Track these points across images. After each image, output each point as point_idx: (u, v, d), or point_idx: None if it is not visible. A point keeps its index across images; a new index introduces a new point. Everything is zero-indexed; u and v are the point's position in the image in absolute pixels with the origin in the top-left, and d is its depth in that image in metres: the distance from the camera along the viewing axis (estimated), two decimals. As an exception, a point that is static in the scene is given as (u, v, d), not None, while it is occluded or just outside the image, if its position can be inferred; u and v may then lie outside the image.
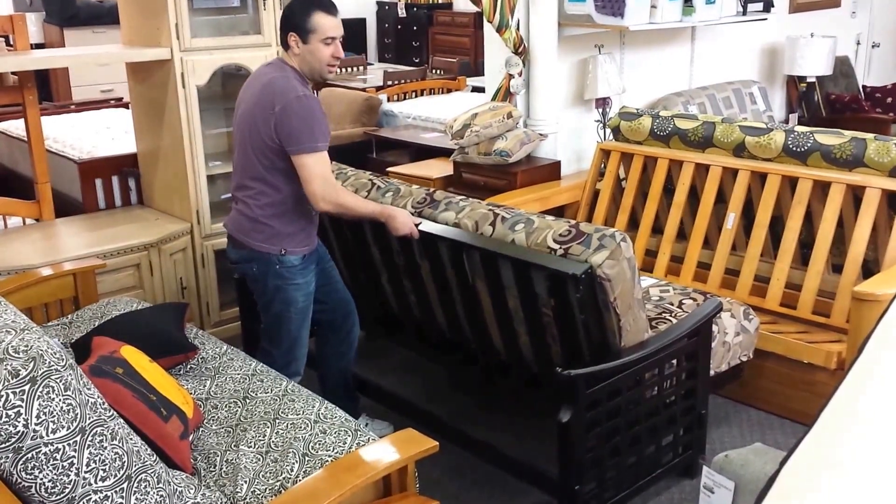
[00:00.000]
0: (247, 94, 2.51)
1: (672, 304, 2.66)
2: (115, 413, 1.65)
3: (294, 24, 2.41)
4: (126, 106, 5.22)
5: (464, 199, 2.56)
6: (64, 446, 1.48)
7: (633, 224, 3.61)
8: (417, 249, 2.57)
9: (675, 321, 2.52)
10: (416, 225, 2.49)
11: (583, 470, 2.21)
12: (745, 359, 2.68)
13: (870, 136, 3.03)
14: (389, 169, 4.52)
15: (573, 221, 2.27)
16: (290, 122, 2.34)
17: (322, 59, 2.42)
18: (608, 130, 3.93)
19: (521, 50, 3.86)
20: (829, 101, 5.41)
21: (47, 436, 1.47)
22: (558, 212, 3.93)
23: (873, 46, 6.09)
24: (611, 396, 2.25)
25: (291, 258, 2.48)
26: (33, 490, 1.47)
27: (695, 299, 2.68)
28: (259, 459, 1.94)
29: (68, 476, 1.49)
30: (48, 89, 6.73)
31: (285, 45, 2.45)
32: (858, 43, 5.93)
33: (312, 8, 2.39)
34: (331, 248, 2.92)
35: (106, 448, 1.55)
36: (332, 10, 2.42)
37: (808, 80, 5.12)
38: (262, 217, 2.46)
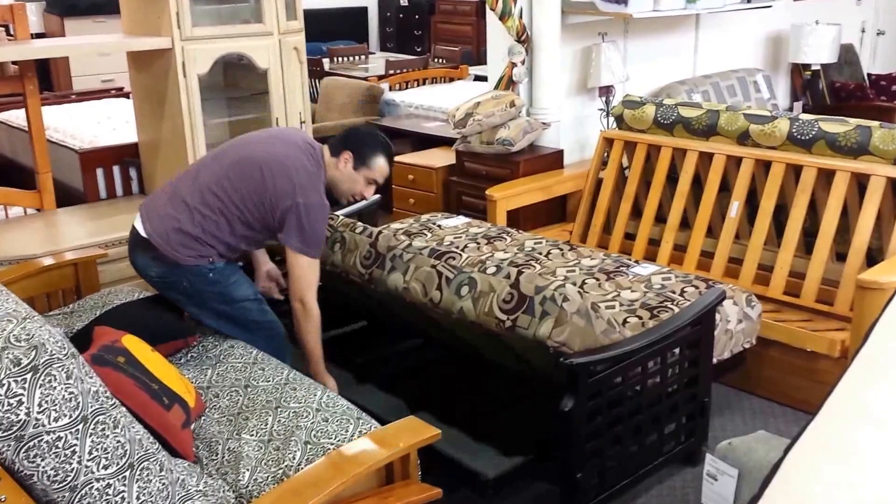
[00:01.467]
0: (268, 145, 2.46)
1: (674, 293, 2.65)
2: (117, 402, 1.64)
3: (357, 149, 2.47)
4: (127, 95, 5.21)
5: (407, 249, 2.46)
6: (66, 434, 1.48)
7: (637, 213, 3.59)
8: None
9: (677, 309, 2.51)
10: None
11: (584, 459, 2.21)
12: (747, 345, 2.68)
13: (875, 123, 3.02)
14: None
15: (513, 277, 2.18)
16: (304, 221, 2.35)
17: (353, 190, 2.51)
18: (611, 119, 3.91)
19: (523, 38, 3.84)
20: (834, 89, 5.38)
21: (49, 424, 1.46)
22: (561, 201, 3.92)
23: (878, 34, 6.05)
24: (613, 385, 2.24)
25: (218, 264, 2.42)
26: (35, 478, 1.47)
27: (697, 286, 2.68)
28: (261, 448, 1.94)
29: (70, 464, 1.49)
30: (49, 79, 6.71)
31: (335, 152, 2.47)
32: (863, 30, 5.89)
33: (383, 151, 2.50)
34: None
35: (108, 436, 1.55)
36: (392, 161, 2.54)
37: (813, 67, 5.10)
38: (202, 237, 2.37)
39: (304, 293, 2.40)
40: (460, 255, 2.36)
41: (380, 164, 2.49)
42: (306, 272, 2.39)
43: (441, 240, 3.21)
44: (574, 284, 2.71)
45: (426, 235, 3.27)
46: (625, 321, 2.46)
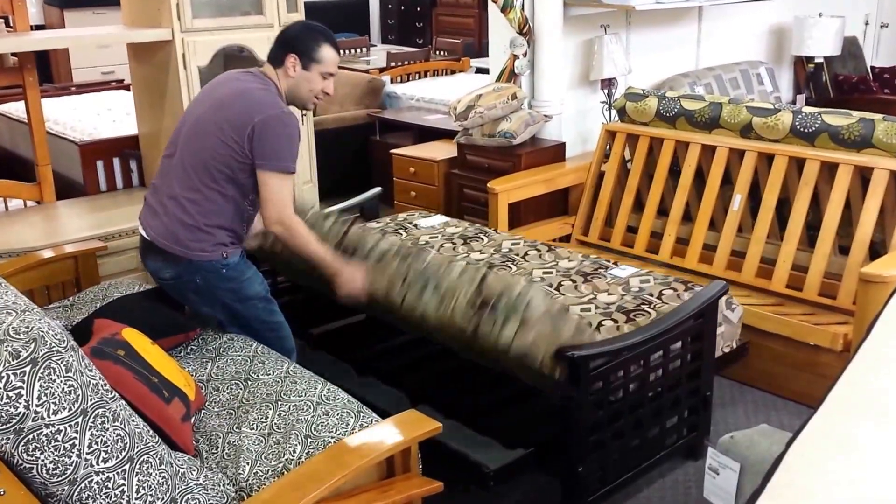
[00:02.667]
0: (212, 97, 2.36)
1: (651, 295, 2.61)
2: (116, 395, 1.64)
3: (299, 48, 2.33)
4: (127, 88, 5.19)
5: (374, 246, 2.42)
6: (65, 427, 1.48)
7: (639, 206, 3.58)
8: None
9: (654, 314, 2.48)
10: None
11: (586, 452, 2.21)
12: (727, 349, 2.65)
13: (878, 116, 3.00)
14: (393, 151, 4.50)
15: (476, 281, 2.15)
16: (268, 138, 2.23)
17: (314, 90, 2.37)
18: (614, 111, 3.90)
19: (525, 30, 3.82)
20: (837, 82, 5.35)
21: (48, 417, 1.46)
22: (563, 194, 3.91)
23: (882, 27, 6.02)
24: (615, 378, 2.23)
25: (232, 258, 2.36)
26: (34, 471, 1.47)
27: (675, 289, 2.65)
28: (261, 441, 1.94)
29: (70, 457, 1.48)
30: (48, 71, 6.70)
31: (278, 62, 2.34)
32: (867, 23, 5.86)
33: (323, 39, 2.35)
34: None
35: (108, 429, 1.54)
36: (337, 46, 2.39)
37: (816, 60, 5.08)
38: (205, 225, 2.30)
39: (280, 214, 2.26)
40: (427, 256, 2.32)
41: (328, 54, 2.34)
42: (277, 190, 2.25)
43: (416, 240, 3.17)
44: (550, 286, 2.69)
45: (401, 235, 3.22)
46: (599, 325, 2.43)
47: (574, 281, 2.74)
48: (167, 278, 2.40)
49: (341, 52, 7.73)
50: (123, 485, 1.55)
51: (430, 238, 3.18)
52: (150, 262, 2.41)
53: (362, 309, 2.57)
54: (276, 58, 2.36)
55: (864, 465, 1.07)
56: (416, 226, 3.33)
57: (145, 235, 2.38)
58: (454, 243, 3.12)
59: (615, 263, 2.91)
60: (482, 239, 3.16)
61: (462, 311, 2.12)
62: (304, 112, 2.67)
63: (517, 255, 2.98)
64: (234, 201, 2.33)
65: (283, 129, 2.26)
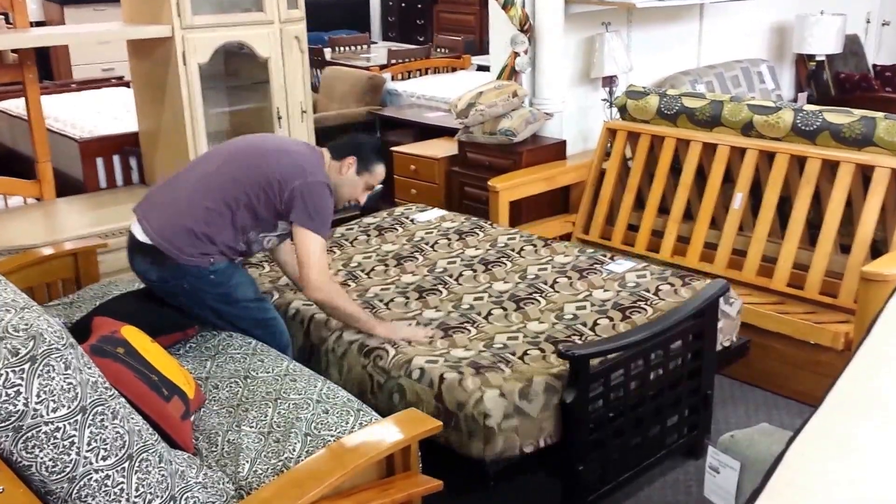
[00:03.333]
0: (267, 139, 2.51)
1: (648, 291, 2.59)
2: (115, 392, 1.63)
3: (361, 155, 2.47)
4: (127, 85, 5.19)
5: (339, 344, 2.39)
6: (64, 425, 1.47)
7: (640, 204, 3.58)
8: None
9: (650, 310, 2.47)
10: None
11: (586, 451, 2.20)
12: (727, 344, 2.63)
13: (880, 114, 2.99)
14: (393, 149, 4.49)
15: (435, 385, 2.12)
16: (310, 199, 2.32)
17: (352, 195, 2.52)
18: (615, 109, 3.89)
19: (526, 27, 3.81)
20: (839, 80, 5.34)
21: (47, 415, 1.45)
22: (564, 192, 3.90)
23: (883, 24, 6.01)
24: (615, 376, 2.23)
25: (219, 265, 2.37)
26: (34, 469, 1.46)
27: (672, 284, 2.63)
28: (261, 439, 1.93)
29: (69, 455, 1.48)
30: (48, 68, 6.69)
31: (338, 157, 2.47)
32: (868, 21, 5.85)
33: (381, 161, 2.54)
34: None
35: (107, 427, 1.54)
36: (384, 171, 2.57)
37: (818, 58, 5.06)
38: (201, 233, 2.32)
39: (321, 281, 2.32)
40: (387, 351, 2.29)
41: (380, 171, 2.53)
42: (318, 255, 2.33)
43: (411, 236, 3.15)
44: (545, 283, 2.67)
45: (397, 231, 3.21)
46: (595, 323, 2.42)
47: (569, 277, 2.73)
48: (154, 280, 2.40)
49: (341, 49, 7.73)
50: (123, 482, 1.54)
51: (426, 234, 3.17)
52: (137, 263, 2.41)
53: None
54: (339, 153, 2.49)
55: (865, 465, 1.06)
56: (412, 221, 3.32)
57: (137, 234, 2.37)
58: (449, 238, 3.11)
59: (612, 258, 2.89)
60: (478, 234, 3.14)
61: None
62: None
63: (513, 250, 2.97)
64: (242, 229, 2.37)
65: (328, 199, 2.38)
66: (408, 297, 2.64)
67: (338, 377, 2.38)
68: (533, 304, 2.56)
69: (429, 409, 2.13)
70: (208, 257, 2.34)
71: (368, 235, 3.19)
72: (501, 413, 2.04)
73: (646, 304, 2.51)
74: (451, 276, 2.79)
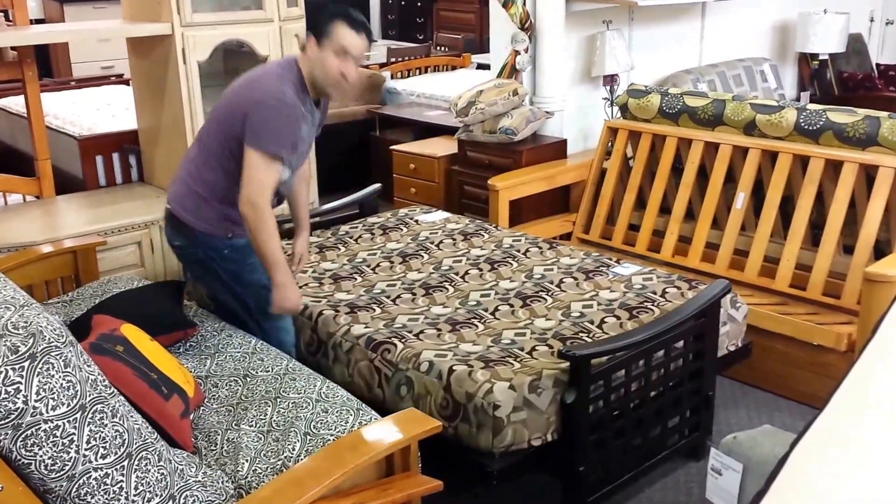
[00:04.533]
0: (237, 82, 2.40)
1: (655, 293, 2.59)
2: (115, 390, 1.63)
3: (316, 26, 2.29)
4: (127, 82, 5.18)
5: (346, 339, 2.38)
6: (64, 423, 1.47)
7: (641, 204, 3.56)
8: None
9: (657, 311, 2.47)
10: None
11: (587, 452, 2.19)
12: (732, 348, 2.62)
13: (883, 114, 2.99)
14: (393, 147, 4.48)
15: (444, 377, 2.11)
16: (257, 117, 2.22)
17: (328, 71, 2.27)
18: (616, 108, 3.88)
19: (527, 26, 3.80)
20: (842, 79, 5.33)
21: (47, 413, 1.45)
22: (564, 191, 3.89)
23: (887, 23, 5.99)
24: (616, 377, 2.22)
25: (239, 240, 2.36)
26: (33, 467, 1.46)
27: (679, 287, 2.63)
28: (260, 438, 1.92)
29: (68, 453, 1.47)
30: (48, 65, 6.69)
31: (302, 47, 2.34)
32: (872, 20, 5.83)
33: (340, 17, 2.27)
34: None
35: (106, 425, 1.53)
36: (356, 26, 2.28)
37: (821, 57, 5.05)
38: (213, 196, 2.34)
39: (255, 195, 2.22)
40: (395, 344, 2.28)
41: (341, 30, 2.25)
42: (258, 171, 2.21)
43: (416, 235, 3.15)
44: (552, 283, 2.66)
45: (401, 230, 3.21)
46: (602, 322, 2.42)
47: (576, 278, 2.73)
48: (177, 246, 2.48)
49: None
50: (122, 481, 1.54)
51: (431, 234, 3.17)
52: (166, 229, 2.51)
53: None
54: (302, 43, 2.36)
55: (870, 468, 1.05)
56: (416, 221, 3.32)
57: (167, 204, 2.47)
58: (454, 239, 3.11)
59: (617, 261, 2.89)
60: (483, 235, 3.14)
61: (439, 413, 2.12)
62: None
63: (518, 251, 2.97)
64: (233, 178, 2.30)
65: (274, 112, 2.22)
66: (414, 294, 2.65)
67: (344, 371, 2.38)
68: (540, 301, 2.56)
69: (437, 402, 2.13)
70: (227, 227, 2.37)
71: (373, 234, 3.18)
72: (511, 405, 2.04)
73: (652, 305, 2.51)
74: (456, 274, 2.79)
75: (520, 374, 2.12)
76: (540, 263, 2.86)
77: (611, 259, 2.92)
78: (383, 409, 2.15)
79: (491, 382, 2.07)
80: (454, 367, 2.15)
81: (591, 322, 2.41)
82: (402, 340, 2.32)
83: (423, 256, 2.95)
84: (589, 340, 2.30)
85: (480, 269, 2.82)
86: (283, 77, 2.29)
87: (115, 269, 3.11)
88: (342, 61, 2.26)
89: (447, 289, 2.68)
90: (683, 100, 3.45)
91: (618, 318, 2.44)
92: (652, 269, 2.83)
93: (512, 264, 2.86)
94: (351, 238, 3.16)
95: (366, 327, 2.41)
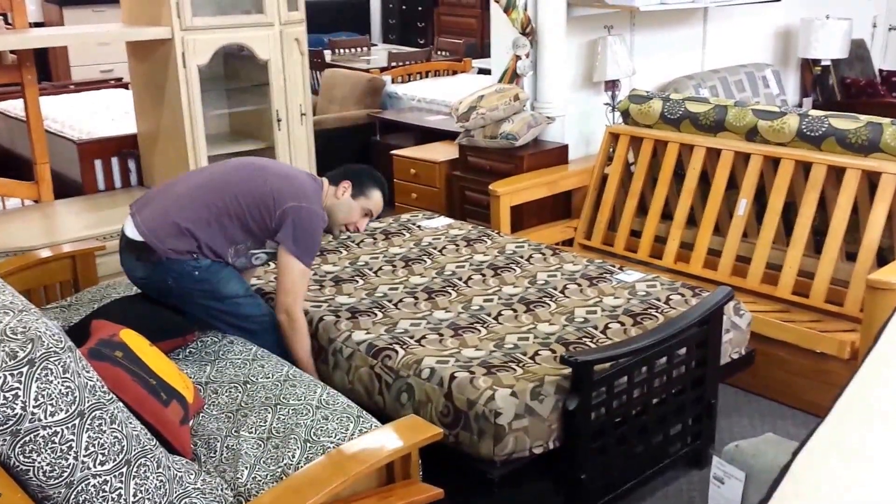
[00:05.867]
0: (268, 164, 2.53)
1: (659, 300, 2.58)
2: (114, 397, 1.61)
3: (356, 179, 2.52)
4: (126, 86, 5.17)
5: (347, 344, 2.38)
6: (62, 429, 1.46)
7: (642, 210, 3.56)
8: None
9: (661, 317, 2.45)
10: None
11: (589, 459, 2.18)
12: (735, 356, 2.61)
13: (886, 120, 2.98)
14: (393, 152, 4.48)
15: (445, 384, 2.11)
16: (300, 223, 2.35)
17: (349, 219, 2.53)
18: (617, 114, 3.87)
19: (528, 31, 3.80)
20: (845, 86, 5.33)
21: (45, 419, 1.44)
22: (565, 197, 3.88)
23: (890, 29, 5.99)
24: (619, 384, 2.21)
25: (204, 261, 2.37)
26: (31, 474, 1.45)
27: (683, 295, 2.62)
28: (260, 445, 1.91)
29: (66, 460, 1.46)
30: (47, 69, 6.68)
31: (334, 182, 2.51)
32: (875, 25, 5.83)
33: (378, 185, 2.56)
34: None
35: (105, 432, 1.52)
36: (386, 197, 2.60)
37: (823, 63, 5.05)
38: (186, 229, 2.33)
39: (290, 305, 2.39)
40: (396, 351, 2.28)
41: (377, 197, 2.55)
42: (297, 280, 2.38)
43: (419, 241, 3.14)
44: (555, 289, 2.65)
45: (404, 236, 3.21)
46: (606, 327, 2.40)
47: (579, 284, 2.72)
48: (140, 277, 2.44)
49: (342, 51, 7.71)
50: (120, 488, 1.53)
51: (434, 240, 3.16)
52: (124, 261, 2.46)
53: None
54: (335, 178, 2.53)
55: (873, 476, 1.05)
56: (419, 227, 3.31)
57: (127, 231, 2.41)
58: (457, 244, 3.10)
59: (621, 268, 2.88)
60: (486, 241, 3.14)
61: (440, 421, 2.12)
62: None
63: (521, 257, 2.96)
64: (226, 238, 2.38)
65: (318, 227, 2.41)
66: (417, 298, 2.64)
67: (344, 377, 2.37)
68: (543, 307, 2.55)
69: (438, 409, 2.12)
70: (191, 254, 2.35)
71: (375, 239, 3.18)
72: (513, 412, 2.03)
73: (656, 312, 2.50)
74: (459, 279, 2.78)
75: (522, 380, 2.10)
76: (543, 269, 2.85)
77: (614, 266, 2.91)
78: (384, 417, 2.14)
79: (493, 389, 2.06)
80: (455, 374, 2.14)
81: (595, 327, 2.40)
82: (404, 346, 2.30)
83: (425, 261, 2.95)
84: (593, 346, 2.29)
85: (483, 275, 2.81)
86: (317, 194, 2.46)
87: (114, 274, 3.08)
88: (362, 218, 2.56)
89: (450, 293, 2.68)
90: (685, 105, 3.44)
91: (622, 324, 2.43)
92: (656, 276, 2.82)
93: (515, 270, 2.85)
94: (353, 242, 3.15)
95: (367, 333, 2.40)
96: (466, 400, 2.07)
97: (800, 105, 5.16)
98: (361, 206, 2.53)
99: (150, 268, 2.37)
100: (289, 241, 2.35)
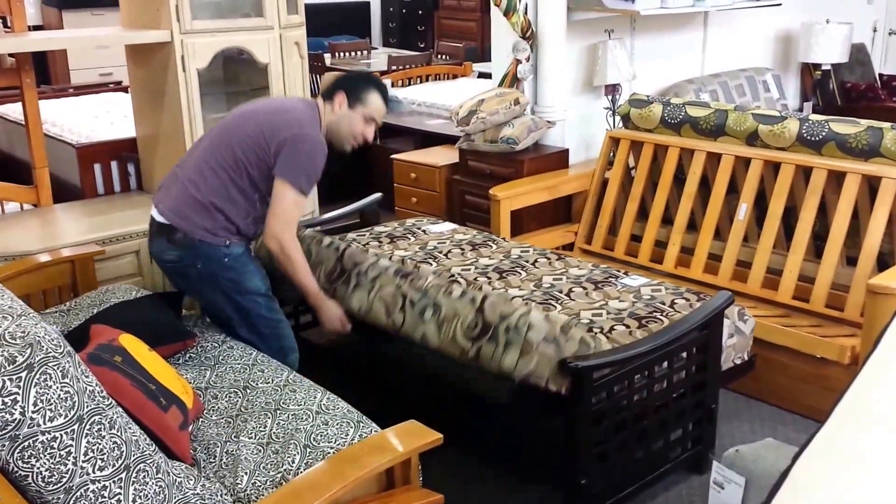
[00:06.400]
0: (260, 103, 2.51)
1: (664, 304, 2.58)
2: (113, 402, 1.61)
3: (349, 88, 2.48)
4: (125, 90, 5.16)
5: (372, 265, 2.44)
6: (61, 435, 1.45)
7: (643, 214, 3.55)
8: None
9: (666, 321, 2.45)
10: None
11: (589, 464, 2.17)
12: (738, 361, 2.61)
13: (886, 125, 2.97)
14: (394, 156, 4.47)
15: (478, 302, 2.15)
16: (296, 153, 2.32)
17: (353, 131, 2.48)
18: (618, 118, 3.87)
19: (528, 35, 3.80)
20: (845, 90, 5.33)
21: (44, 424, 1.43)
22: (566, 201, 3.88)
23: (890, 34, 6.01)
24: (619, 389, 2.20)
25: (236, 248, 2.41)
26: (30, 479, 1.44)
27: (688, 299, 2.62)
28: (260, 451, 1.90)
29: (65, 465, 1.46)
30: (46, 72, 6.67)
31: (328, 98, 2.47)
32: (875, 30, 5.84)
33: (374, 87, 2.50)
34: None
35: (104, 437, 1.51)
36: (387, 100, 2.54)
37: (823, 67, 5.05)
38: (211, 204, 2.36)
39: (281, 233, 2.35)
40: (425, 276, 2.32)
41: (374, 100, 2.47)
42: (289, 207, 2.34)
43: (424, 244, 3.15)
44: (560, 292, 2.66)
45: (409, 240, 3.21)
46: (611, 329, 2.40)
47: (585, 288, 2.72)
48: (169, 260, 2.44)
49: (342, 55, 7.69)
50: (119, 493, 1.52)
51: (439, 244, 3.16)
52: (155, 244, 2.47)
53: (358, 331, 2.57)
54: (328, 93, 2.49)
55: (873, 480, 1.04)
56: (424, 231, 3.31)
57: (155, 216, 2.44)
58: (462, 249, 3.10)
59: (625, 273, 2.88)
60: (491, 246, 3.14)
61: (462, 336, 2.10)
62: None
63: (526, 261, 2.96)
64: (245, 195, 2.39)
65: (311, 150, 2.36)
66: None
67: (365, 297, 2.39)
68: (550, 308, 2.55)
69: (464, 324, 2.14)
70: (222, 239, 2.37)
71: (380, 242, 3.18)
72: (543, 333, 2.05)
73: (662, 316, 2.50)
74: (465, 281, 2.78)
75: (557, 314, 2.12)
76: (549, 273, 2.85)
77: (619, 271, 2.91)
78: (399, 336, 2.21)
79: (528, 307, 2.10)
80: (489, 296, 2.17)
81: (601, 329, 2.39)
82: (435, 274, 2.32)
83: (431, 264, 2.94)
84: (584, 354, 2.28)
85: (489, 278, 2.81)
86: (312, 119, 2.42)
87: (114, 278, 3.08)
88: (367, 125, 2.49)
89: None
90: (685, 110, 3.44)
91: (627, 326, 2.42)
92: (660, 281, 2.83)
93: (521, 273, 2.85)
94: (359, 244, 3.15)
95: (392, 260, 2.45)
96: (499, 314, 2.09)
97: (800, 109, 5.16)
98: (362, 114, 2.47)
99: (180, 249, 2.39)
100: (282, 168, 2.33)
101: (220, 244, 2.37)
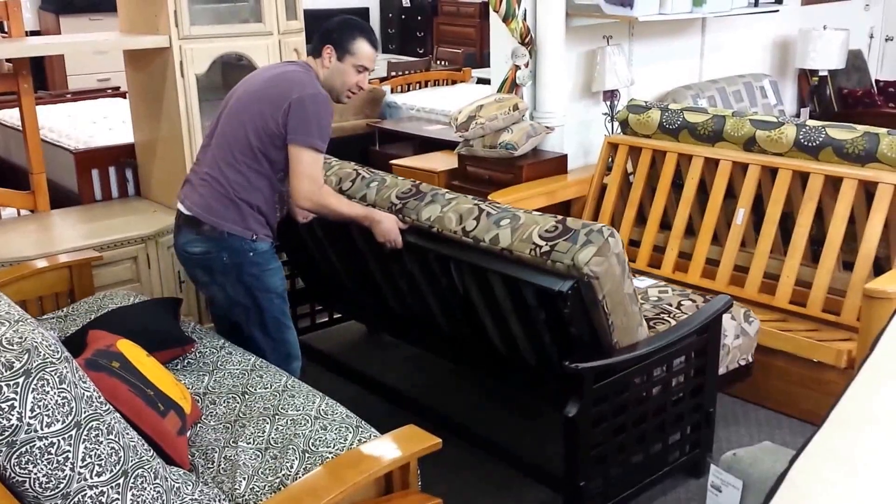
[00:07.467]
0: (257, 77, 2.50)
1: (671, 305, 2.60)
2: (111, 407, 1.61)
3: (335, 39, 2.45)
4: (123, 95, 5.16)
5: (451, 193, 2.47)
6: (59, 440, 1.45)
7: (641, 219, 3.56)
8: (406, 257, 2.51)
9: (673, 322, 2.46)
10: (402, 229, 2.45)
11: (588, 466, 2.18)
12: (743, 363, 2.62)
13: (883, 130, 2.99)
14: (393, 162, 4.47)
15: (560, 217, 2.21)
16: (302, 114, 2.32)
17: (347, 83, 2.47)
18: (616, 124, 3.88)
19: (527, 40, 3.81)
20: (842, 96, 5.35)
21: (42, 430, 1.43)
22: (565, 206, 3.88)
23: (887, 40, 6.03)
24: (618, 392, 2.21)
25: (262, 245, 2.43)
26: (27, 485, 1.44)
27: (694, 301, 2.63)
28: (258, 456, 1.90)
29: (63, 471, 1.46)
30: (44, 78, 6.67)
31: (317, 53, 2.47)
32: (871, 36, 5.87)
33: (358, 33, 2.46)
34: (321, 245, 2.85)
35: (102, 443, 1.51)
36: (375, 43, 2.50)
37: (821, 73, 5.07)
38: (237, 197, 2.38)
39: (309, 190, 2.34)
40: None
41: (362, 47, 2.45)
42: (308, 166, 2.33)
43: None
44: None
45: None
46: None
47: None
48: (196, 253, 2.44)
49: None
50: (117, 499, 1.52)
51: None
52: (182, 236, 2.47)
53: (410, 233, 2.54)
54: (315, 49, 2.48)
55: (869, 483, 1.05)
56: None
57: (182, 209, 2.46)
58: None
59: (633, 274, 2.89)
60: None
61: (538, 237, 2.14)
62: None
63: None
64: (267, 178, 2.40)
65: (316, 107, 2.34)
66: None
67: (438, 209, 2.39)
68: None
69: (545, 228, 2.14)
70: (251, 230, 2.39)
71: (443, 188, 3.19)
72: (620, 247, 2.09)
73: (669, 317, 2.51)
74: None
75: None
76: None
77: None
78: (463, 242, 2.25)
79: (611, 230, 2.12)
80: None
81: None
82: None
83: None
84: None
85: None
86: (310, 76, 2.42)
87: (111, 284, 3.08)
88: (360, 73, 2.47)
89: None
90: (683, 115, 3.45)
91: None
92: (666, 283, 2.84)
93: None
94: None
95: None
96: (582, 223, 2.12)
97: (797, 115, 5.18)
98: (352, 64, 2.45)
99: (209, 243, 2.41)
100: (293, 133, 2.32)
101: (247, 237, 2.39)
